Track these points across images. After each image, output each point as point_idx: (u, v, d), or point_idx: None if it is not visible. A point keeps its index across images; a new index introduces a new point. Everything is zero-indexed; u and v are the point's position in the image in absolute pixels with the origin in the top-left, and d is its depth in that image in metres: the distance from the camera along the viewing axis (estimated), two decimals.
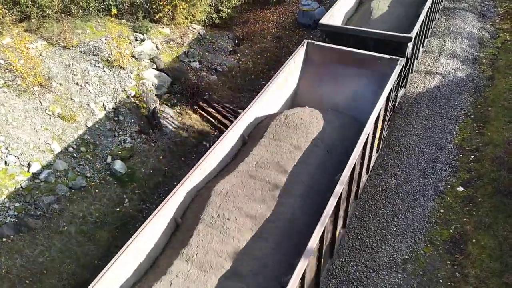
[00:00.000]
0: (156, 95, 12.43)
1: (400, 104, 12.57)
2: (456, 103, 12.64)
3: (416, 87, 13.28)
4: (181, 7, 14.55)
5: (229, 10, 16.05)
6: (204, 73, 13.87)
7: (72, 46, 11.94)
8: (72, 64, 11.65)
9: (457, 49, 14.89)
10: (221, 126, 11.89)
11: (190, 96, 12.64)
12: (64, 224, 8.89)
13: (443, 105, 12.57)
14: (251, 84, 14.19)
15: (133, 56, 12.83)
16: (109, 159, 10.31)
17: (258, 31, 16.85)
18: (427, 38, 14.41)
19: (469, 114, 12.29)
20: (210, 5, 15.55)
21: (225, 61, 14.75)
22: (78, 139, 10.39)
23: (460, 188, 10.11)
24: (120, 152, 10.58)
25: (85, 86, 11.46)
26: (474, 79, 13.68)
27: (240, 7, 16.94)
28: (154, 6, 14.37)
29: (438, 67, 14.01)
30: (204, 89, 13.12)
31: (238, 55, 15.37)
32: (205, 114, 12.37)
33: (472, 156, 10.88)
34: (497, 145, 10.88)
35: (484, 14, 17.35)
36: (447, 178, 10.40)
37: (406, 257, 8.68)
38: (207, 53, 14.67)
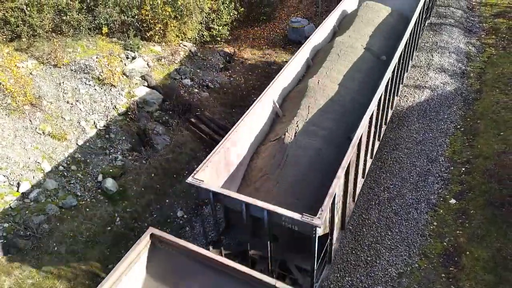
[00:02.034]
0: (148, 112, 12.41)
1: (391, 118, 12.70)
2: (445, 116, 12.80)
3: (406, 101, 13.45)
4: (172, 25, 14.68)
5: (220, 28, 16.21)
6: (196, 90, 13.92)
7: (63, 64, 11.94)
8: (63, 82, 11.63)
9: (445, 63, 15.16)
10: (213, 142, 11.87)
11: (182, 113, 12.64)
12: (54, 244, 8.72)
13: (433, 118, 12.71)
14: (243, 100, 14.24)
15: (124, 74, 12.85)
16: (100, 178, 10.21)
17: (249, 48, 17.02)
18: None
19: (458, 127, 12.44)
20: (201, 23, 15.69)
21: (216, 77, 14.84)
22: (69, 158, 10.29)
23: (453, 201, 10.15)
24: (111, 170, 10.48)
25: (76, 104, 11.42)
26: (463, 92, 13.90)
27: (231, 25, 17.12)
28: (145, 25, 14.48)
29: (427, 81, 14.23)
30: (196, 105, 13.14)
31: (230, 71, 15.47)
32: (197, 131, 12.36)
33: (463, 169, 10.96)
34: (487, 157, 10.99)
35: (470, 30, 17.76)
36: (439, 190, 10.44)
37: (401, 271, 8.63)
38: (198, 70, 14.75)
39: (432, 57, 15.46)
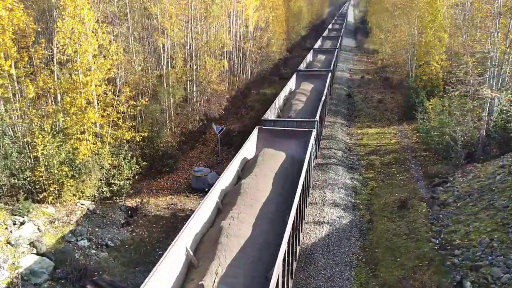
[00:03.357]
0: (35, 284, 10.88)
1: (298, 257, 12.91)
2: (347, 249, 13.46)
3: (309, 238, 14.01)
4: (68, 184, 14.17)
5: (121, 183, 16.00)
6: (94, 251, 12.85)
7: None
8: None
9: (337, 198, 16.64)
10: None
11: (77, 280, 11.31)
12: None
13: (336, 252, 13.25)
14: (147, 255, 13.42)
15: (8, 243, 11.52)
16: None
17: (153, 200, 16.88)
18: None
19: (360, 258, 13.08)
20: (100, 180, 15.42)
21: (117, 234, 14.04)
22: None
23: None
24: None
25: None
26: (357, 224, 15.05)
27: (133, 178, 17.08)
28: (38, 186, 13.77)
29: (324, 217, 15.23)
30: (93, 269, 11.97)
31: (132, 226, 14.85)
32: None
33: None
34: (391, 285, 11.46)
35: (351, 167, 20.26)
36: None
37: None
38: (97, 229, 13.89)
39: (325, 193, 16.93)
